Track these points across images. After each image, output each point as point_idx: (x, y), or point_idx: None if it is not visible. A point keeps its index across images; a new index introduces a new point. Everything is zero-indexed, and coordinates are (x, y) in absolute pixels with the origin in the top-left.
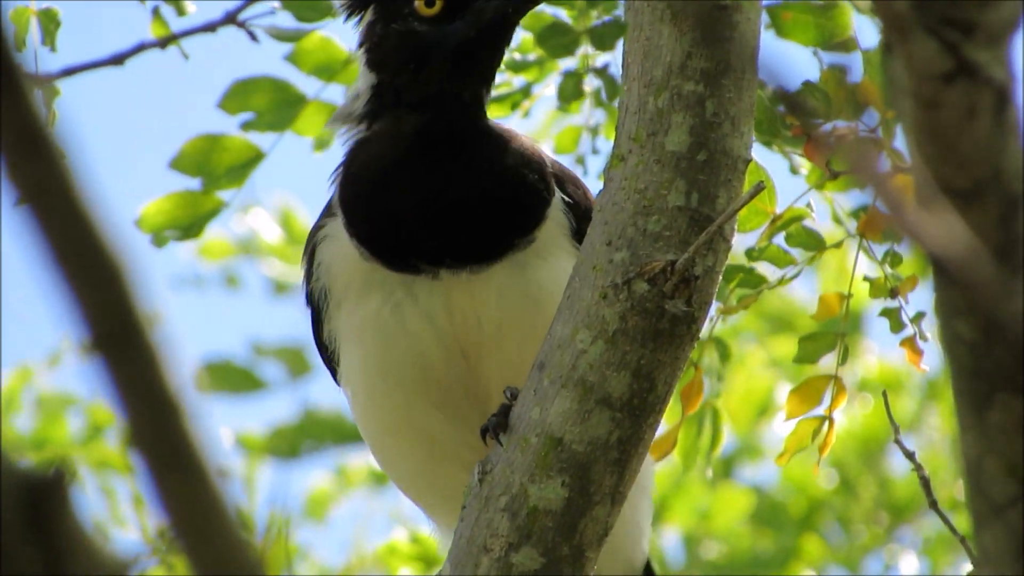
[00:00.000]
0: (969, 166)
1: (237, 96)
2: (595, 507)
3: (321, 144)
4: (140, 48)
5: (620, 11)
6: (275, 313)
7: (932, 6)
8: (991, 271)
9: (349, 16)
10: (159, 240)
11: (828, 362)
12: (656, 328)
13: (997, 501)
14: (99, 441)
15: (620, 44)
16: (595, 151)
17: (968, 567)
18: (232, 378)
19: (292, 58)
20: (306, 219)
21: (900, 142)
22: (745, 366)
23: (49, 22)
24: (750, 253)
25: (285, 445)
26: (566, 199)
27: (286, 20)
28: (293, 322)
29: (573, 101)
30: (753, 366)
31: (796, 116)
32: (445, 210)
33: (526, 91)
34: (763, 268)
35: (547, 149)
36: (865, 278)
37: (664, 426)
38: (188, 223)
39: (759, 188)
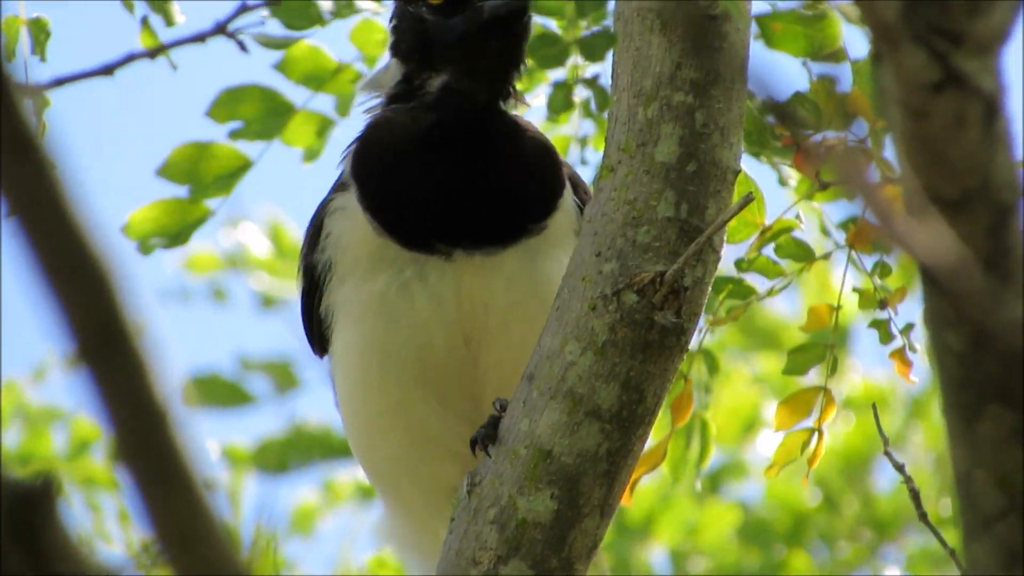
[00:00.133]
0: (958, 176)
1: (225, 104)
2: (584, 519)
3: (310, 154)
4: (130, 58)
5: (609, 21)
6: (263, 327)
7: (921, 16)
8: (980, 281)
9: None
10: (145, 247)
11: (812, 378)
12: (645, 339)
13: (987, 514)
14: (85, 457)
15: (610, 55)
16: (584, 162)
17: None
18: (219, 392)
19: (281, 66)
20: (295, 233)
21: (889, 152)
22: (731, 382)
23: (39, 32)
24: (739, 264)
25: (272, 459)
26: (575, 199)
27: (275, 28)
28: (281, 336)
29: (563, 112)
30: (738, 382)
31: (786, 126)
32: (466, 191)
33: None
34: (752, 279)
35: None
36: (854, 289)
37: (651, 439)
38: (175, 231)
39: (748, 199)
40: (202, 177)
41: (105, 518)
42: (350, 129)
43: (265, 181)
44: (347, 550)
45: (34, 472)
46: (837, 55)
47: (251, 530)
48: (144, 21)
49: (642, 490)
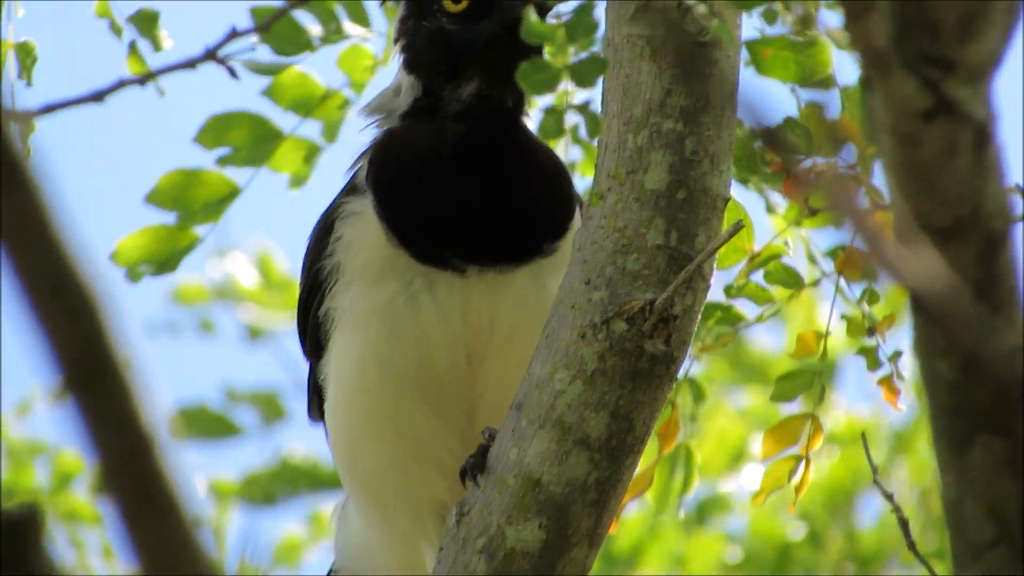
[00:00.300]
0: (949, 203)
1: (214, 130)
2: (573, 549)
3: (297, 180)
4: (120, 85)
5: (598, 47)
6: (250, 358)
7: (912, 42)
8: (971, 309)
9: (383, 2)
10: (134, 274)
11: (799, 408)
12: (635, 368)
13: (977, 543)
14: (68, 491)
15: (601, 81)
16: None
17: None
18: (206, 424)
19: (269, 92)
20: (283, 263)
21: (880, 179)
22: (716, 415)
23: (26, 56)
24: (728, 290)
25: (259, 491)
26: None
27: (265, 54)
28: (268, 367)
29: (554, 137)
30: (725, 416)
31: (776, 152)
32: (488, 209)
33: None
34: (741, 305)
35: None
36: (843, 316)
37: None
38: (163, 258)
39: (738, 227)
40: (190, 204)
41: (88, 553)
42: (337, 155)
43: (253, 209)
44: None
45: (19, 503)
46: (827, 81)
47: (237, 562)
48: (132, 46)
49: (629, 520)
